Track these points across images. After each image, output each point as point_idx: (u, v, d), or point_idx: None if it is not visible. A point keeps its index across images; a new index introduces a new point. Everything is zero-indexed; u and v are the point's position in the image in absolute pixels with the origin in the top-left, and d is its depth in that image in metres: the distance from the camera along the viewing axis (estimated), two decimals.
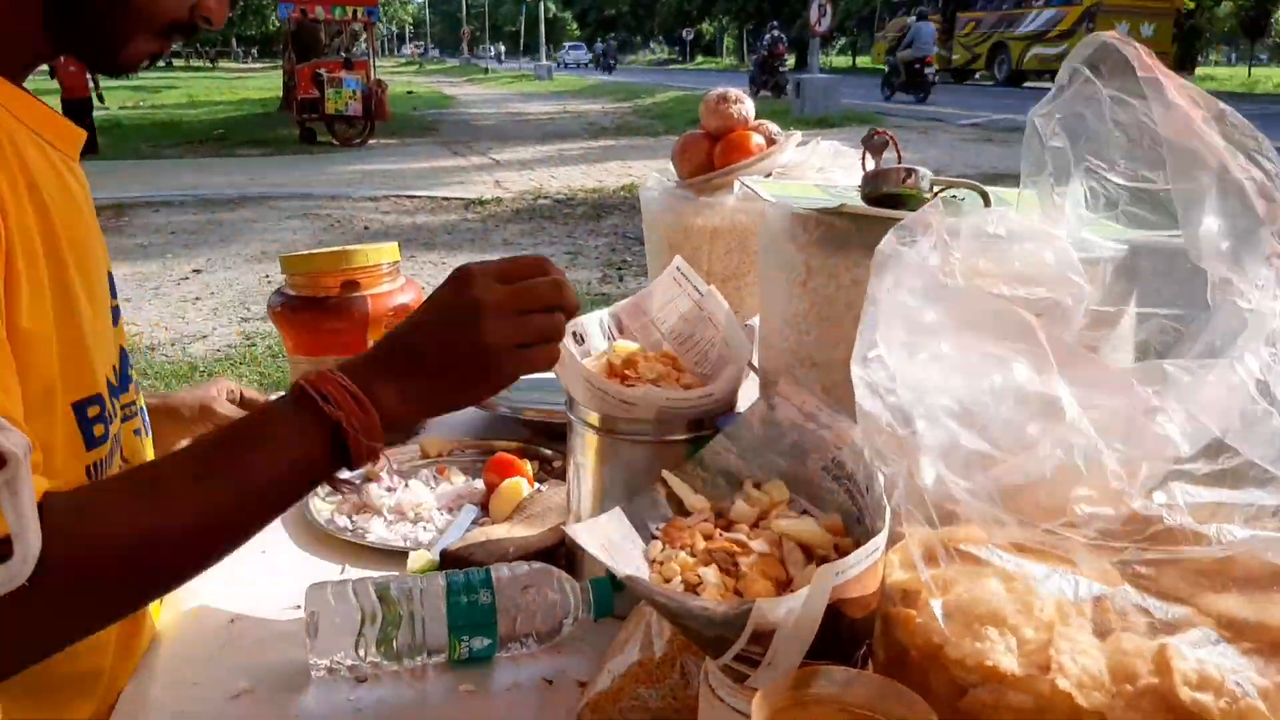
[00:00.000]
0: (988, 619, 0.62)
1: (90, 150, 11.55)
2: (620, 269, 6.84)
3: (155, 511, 0.69)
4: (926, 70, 19.27)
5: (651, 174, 1.48)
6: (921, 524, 0.67)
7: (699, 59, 59.76)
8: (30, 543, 0.52)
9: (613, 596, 0.94)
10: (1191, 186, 0.76)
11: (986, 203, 0.92)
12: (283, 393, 1.38)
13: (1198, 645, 0.61)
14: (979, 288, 0.77)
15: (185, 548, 0.72)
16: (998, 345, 0.70)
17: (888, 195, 0.87)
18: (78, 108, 12.76)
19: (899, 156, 0.93)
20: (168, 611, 1.01)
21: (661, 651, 0.78)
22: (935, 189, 0.91)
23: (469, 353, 0.76)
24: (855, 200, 0.90)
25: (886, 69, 21.68)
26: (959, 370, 0.70)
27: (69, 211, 0.84)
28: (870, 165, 0.92)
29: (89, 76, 12.70)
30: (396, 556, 1.09)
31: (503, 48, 65.17)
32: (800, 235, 0.87)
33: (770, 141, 1.40)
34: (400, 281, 1.42)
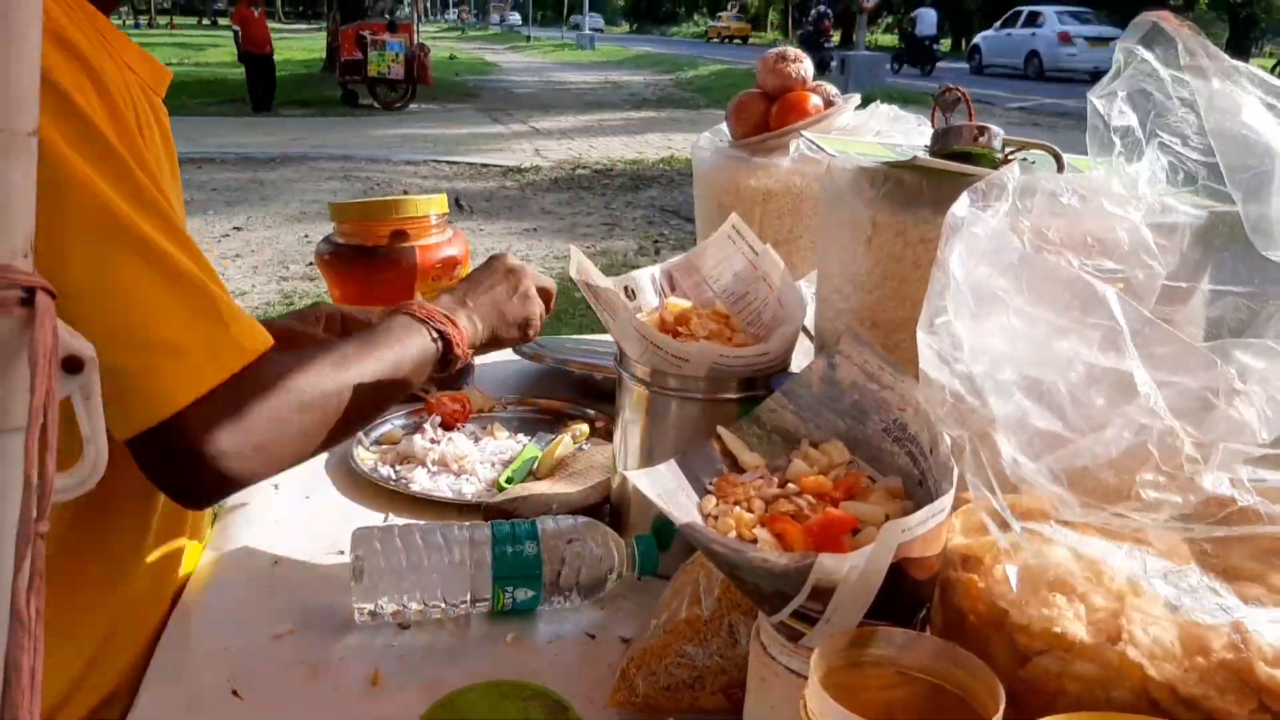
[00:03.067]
0: (1056, 586, 0.60)
1: (264, 107, 11.58)
2: (657, 242, 6.81)
3: (340, 377, 0.85)
4: (934, 48, 22.48)
5: (704, 133, 1.45)
6: (985, 495, 0.65)
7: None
8: (100, 447, 0.51)
9: (657, 554, 0.93)
10: (1249, 177, 0.73)
11: (1060, 166, 0.89)
12: None
13: (1275, 622, 0.59)
14: (1053, 258, 0.75)
15: (357, 404, 0.87)
16: (1070, 317, 0.68)
17: (959, 153, 0.85)
18: (258, 62, 13.30)
19: (970, 114, 0.90)
20: (211, 552, 1.01)
21: (710, 610, 0.77)
22: (1007, 149, 0.88)
23: (517, 303, 1.08)
24: (924, 157, 0.87)
25: (901, 47, 24.79)
26: (1029, 341, 0.68)
27: (159, 151, 0.86)
28: (941, 122, 0.89)
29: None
30: (438, 507, 1.09)
31: (516, 16, 65.20)
32: (867, 190, 0.84)
33: (829, 103, 1.37)
34: (449, 234, 1.41)
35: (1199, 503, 0.64)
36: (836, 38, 24.51)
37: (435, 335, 0.95)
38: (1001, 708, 0.54)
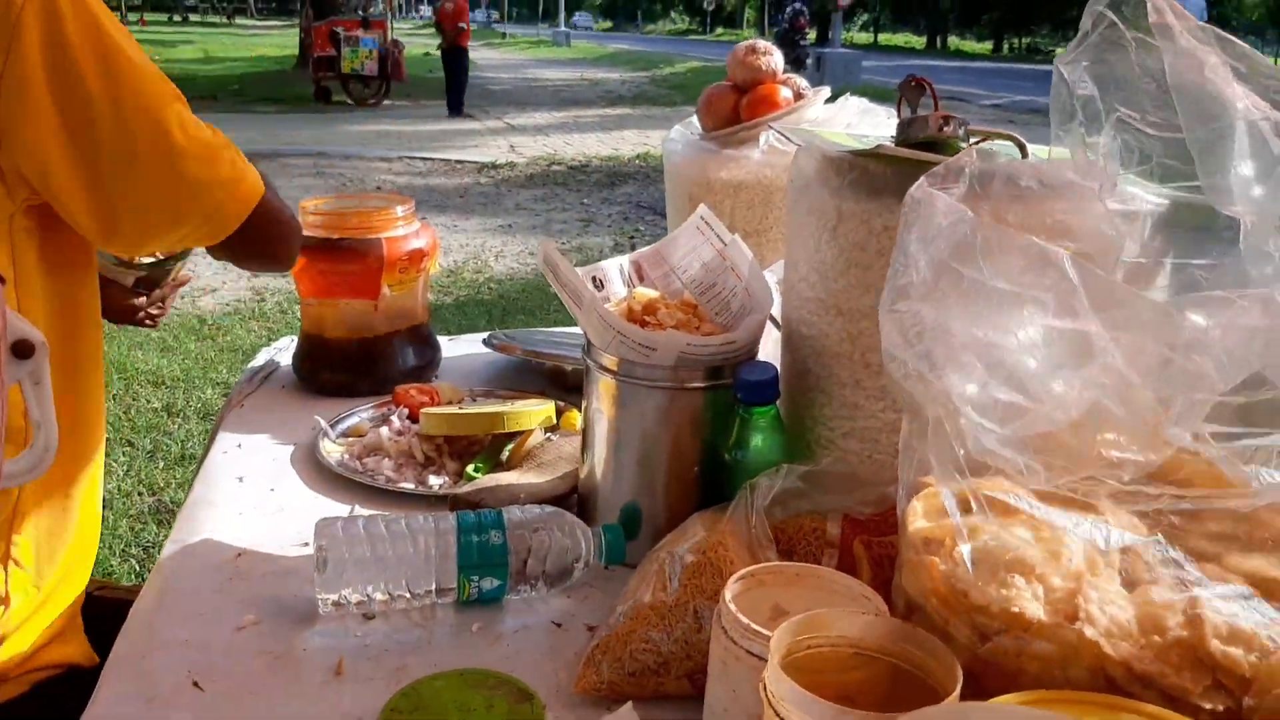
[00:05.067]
0: (1014, 566, 0.61)
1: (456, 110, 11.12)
2: (633, 238, 6.80)
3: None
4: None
5: (676, 126, 1.45)
6: (951, 473, 0.65)
7: (719, 30, 59.30)
8: (50, 433, 0.51)
9: (624, 543, 0.93)
10: (1206, 133, 0.74)
11: (1024, 155, 0.90)
12: (293, 339, 1.39)
13: (1228, 599, 0.59)
14: (1008, 228, 0.75)
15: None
16: (1026, 284, 0.68)
17: (924, 142, 0.85)
18: (454, 55, 13.86)
19: (935, 103, 0.91)
20: (172, 544, 1.00)
21: (674, 596, 0.77)
22: (972, 139, 0.88)
23: None
24: (888, 146, 0.87)
25: None
26: (987, 315, 0.68)
27: None
28: (906, 112, 0.89)
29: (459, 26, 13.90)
30: (404, 499, 1.08)
31: (494, 13, 65.00)
32: (833, 179, 0.85)
33: (798, 96, 1.37)
34: (415, 226, 1.40)
35: (1162, 461, 0.64)
36: (812, 35, 24.53)
37: None
38: (959, 686, 0.54)
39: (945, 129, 0.87)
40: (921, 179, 0.72)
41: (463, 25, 14.10)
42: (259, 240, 1.04)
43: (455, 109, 14.30)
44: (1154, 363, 0.62)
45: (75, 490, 1.03)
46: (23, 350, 0.52)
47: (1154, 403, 0.62)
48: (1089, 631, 0.57)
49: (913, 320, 0.69)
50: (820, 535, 0.81)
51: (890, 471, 0.86)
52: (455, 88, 14.39)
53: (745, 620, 0.63)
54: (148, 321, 1.39)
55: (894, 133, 0.92)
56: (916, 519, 0.68)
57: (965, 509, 0.63)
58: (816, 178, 0.87)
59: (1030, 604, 0.59)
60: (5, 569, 0.96)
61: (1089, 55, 0.80)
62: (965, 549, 0.61)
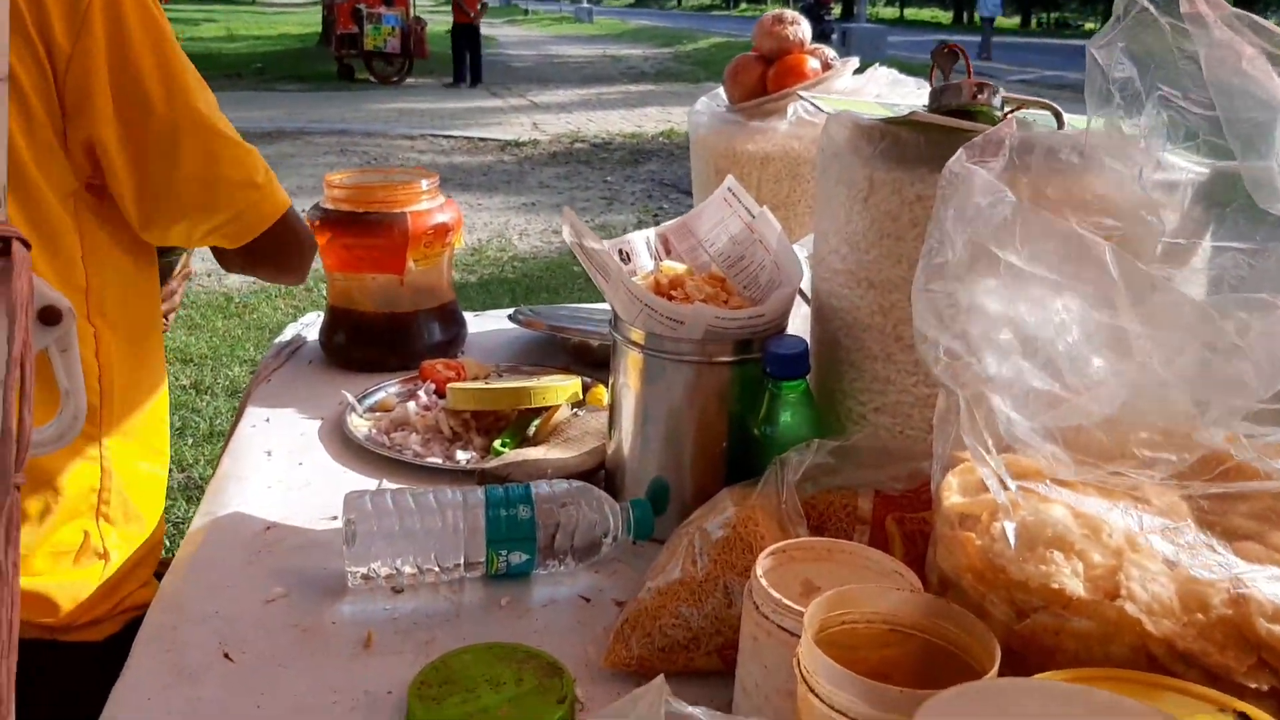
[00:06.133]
0: (1054, 543, 0.60)
1: (475, 79, 11.94)
2: (656, 215, 6.78)
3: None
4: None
5: (701, 98, 1.44)
6: (983, 455, 0.64)
7: (743, 6, 58.76)
8: (79, 400, 0.50)
9: (653, 518, 0.92)
10: (1248, 128, 0.72)
11: (1060, 124, 0.88)
12: (320, 314, 1.41)
13: (1274, 579, 0.58)
14: (1049, 214, 0.74)
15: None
16: (1066, 273, 0.67)
17: (957, 109, 0.83)
18: (466, 33, 14.35)
19: (970, 71, 0.89)
20: (202, 518, 1.00)
21: (705, 571, 0.77)
22: (1006, 107, 0.87)
23: None
24: (922, 113, 0.85)
25: None
26: (1025, 299, 0.67)
27: None
28: (939, 79, 0.87)
29: (480, 3, 14.56)
30: (432, 473, 1.08)
31: None
32: (864, 148, 0.83)
33: (826, 66, 1.35)
34: (440, 200, 1.39)
35: (1195, 460, 0.63)
36: (837, 10, 24.27)
37: None
38: (997, 663, 0.53)
39: (979, 97, 0.85)
40: (960, 152, 0.70)
41: (483, 3, 14.41)
42: (280, 247, 1.13)
43: (476, 81, 14.46)
44: (1192, 364, 0.60)
45: (149, 448, 1.12)
46: (50, 317, 0.52)
47: (1190, 405, 0.60)
48: (1130, 608, 0.56)
49: (947, 300, 0.67)
50: (851, 511, 0.80)
51: (922, 446, 0.85)
52: (474, 63, 14.68)
53: (777, 595, 0.62)
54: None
55: (925, 102, 0.91)
56: (952, 494, 0.67)
57: (1004, 485, 0.62)
58: (847, 146, 0.86)
59: (1070, 580, 0.58)
60: (98, 526, 1.05)
61: (1124, 37, 0.78)
62: (1009, 525, 0.59)
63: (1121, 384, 0.63)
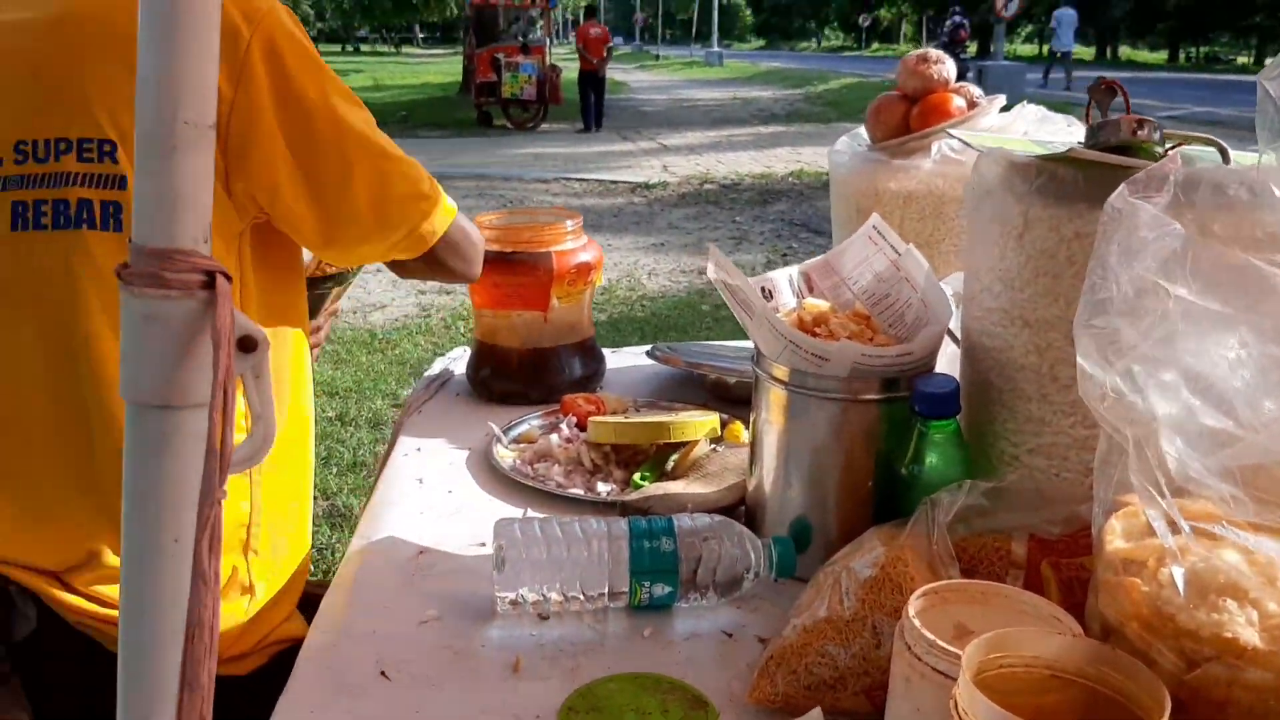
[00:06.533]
0: (1227, 590, 0.57)
1: (598, 123, 12.80)
2: (786, 255, 6.76)
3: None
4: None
5: (842, 138, 1.44)
6: (1153, 495, 0.62)
7: (875, 46, 58.41)
8: (270, 424, 0.54)
9: (795, 556, 0.92)
10: None
11: (1225, 159, 0.85)
12: (465, 349, 1.46)
13: None
14: (1217, 245, 0.71)
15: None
16: (1239, 306, 0.64)
17: (1116, 146, 0.82)
18: (591, 80, 15.19)
19: (1128, 107, 0.87)
20: (359, 540, 1.05)
21: (852, 610, 0.76)
22: (1168, 143, 0.84)
23: None
24: (1080, 150, 0.84)
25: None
26: (1193, 335, 0.65)
27: None
28: (1096, 116, 0.86)
29: (607, 48, 15.63)
30: (574, 504, 1.11)
31: (637, 40, 66.21)
32: (1019, 185, 0.82)
33: (972, 104, 1.34)
34: (583, 240, 1.43)
35: None
36: (973, 49, 23.85)
37: None
38: (1167, 713, 0.51)
39: (1140, 133, 0.83)
40: (1122, 187, 0.69)
41: (610, 47, 14.98)
42: (455, 252, 1.16)
43: (598, 125, 15.11)
44: None
45: (294, 481, 1.14)
46: (247, 345, 0.56)
47: None
48: None
49: (1111, 337, 0.66)
50: (1005, 555, 0.78)
51: (1080, 490, 0.83)
52: (598, 107, 15.40)
53: (931, 637, 0.61)
54: None
55: (1078, 139, 0.89)
56: (1115, 539, 0.65)
57: (1175, 529, 0.60)
58: (1000, 183, 0.85)
59: (1245, 630, 0.55)
60: (247, 559, 1.06)
61: None
62: (1178, 570, 0.57)
63: None
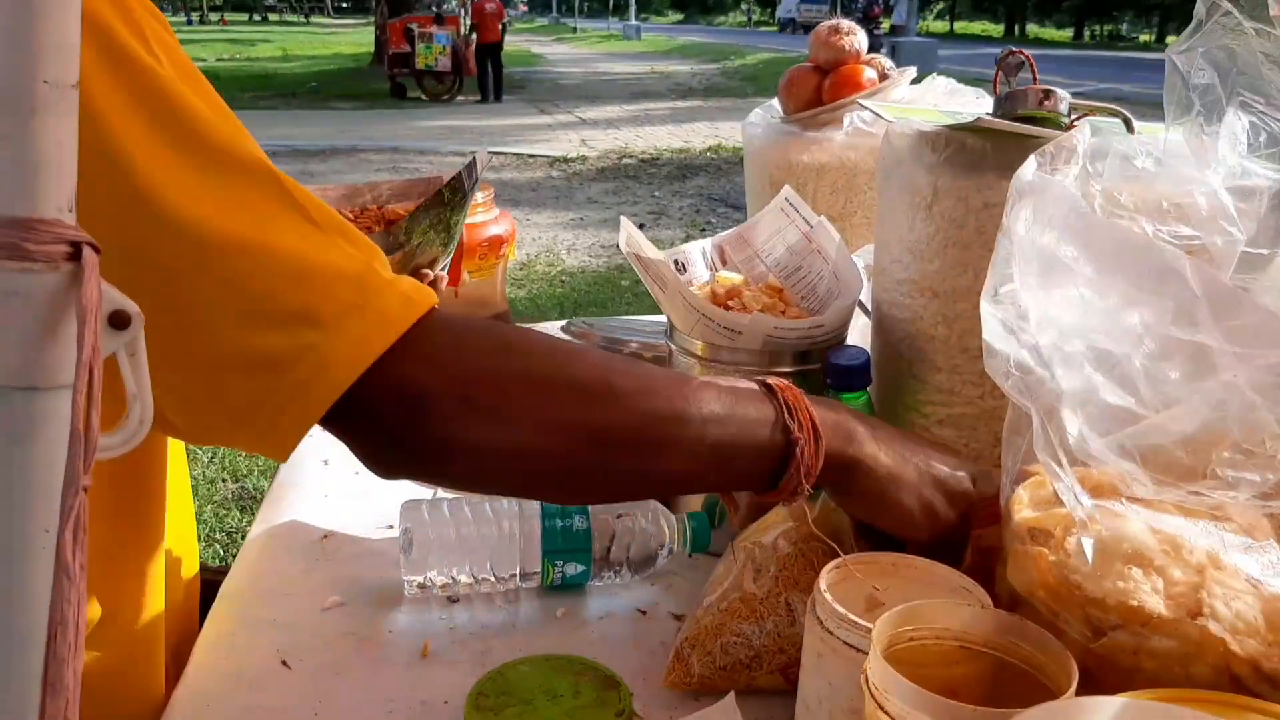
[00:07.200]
0: (1133, 559, 0.58)
1: (497, 96, 12.44)
2: (704, 230, 6.77)
3: (600, 409, 0.63)
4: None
5: (755, 110, 1.43)
6: (1057, 472, 0.62)
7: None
8: (146, 405, 0.50)
9: (710, 532, 0.91)
10: None
11: (1130, 130, 0.86)
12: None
13: None
14: (1125, 224, 0.72)
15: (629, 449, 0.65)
16: (1144, 286, 0.65)
17: (1024, 116, 0.82)
18: (488, 51, 15.10)
19: (1035, 78, 0.87)
20: (260, 525, 1.01)
21: (766, 589, 0.75)
22: (1074, 114, 0.85)
23: (939, 505, 0.72)
24: (989, 119, 0.84)
25: None
26: (1099, 312, 0.65)
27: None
28: (1004, 86, 0.86)
29: (502, 24, 15.44)
30: None
31: (554, 12, 65.56)
32: (928, 155, 0.82)
33: (883, 77, 1.34)
34: (495, 213, 1.39)
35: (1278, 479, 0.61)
36: (887, 24, 24.14)
37: (780, 411, 0.67)
38: (1075, 682, 0.51)
39: (1046, 103, 0.83)
40: (1031, 159, 0.69)
41: (505, 23, 15.14)
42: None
43: (497, 97, 15.22)
44: (1277, 382, 0.58)
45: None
46: (119, 321, 0.52)
47: (1277, 425, 0.58)
48: (1214, 627, 0.54)
49: (1017, 310, 0.66)
50: None
51: (988, 460, 0.83)
52: (496, 79, 15.45)
53: (842, 611, 0.61)
54: None
55: (987, 110, 0.89)
56: (1023, 508, 0.65)
57: (1078, 502, 0.60)
58: (910, 154, 0.84)
59: (1150, 597, 0.56)
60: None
61: (1205, 43, 0.75)
62: (1086, 540, 0.58)
63: (1203, 401, 0.61)
